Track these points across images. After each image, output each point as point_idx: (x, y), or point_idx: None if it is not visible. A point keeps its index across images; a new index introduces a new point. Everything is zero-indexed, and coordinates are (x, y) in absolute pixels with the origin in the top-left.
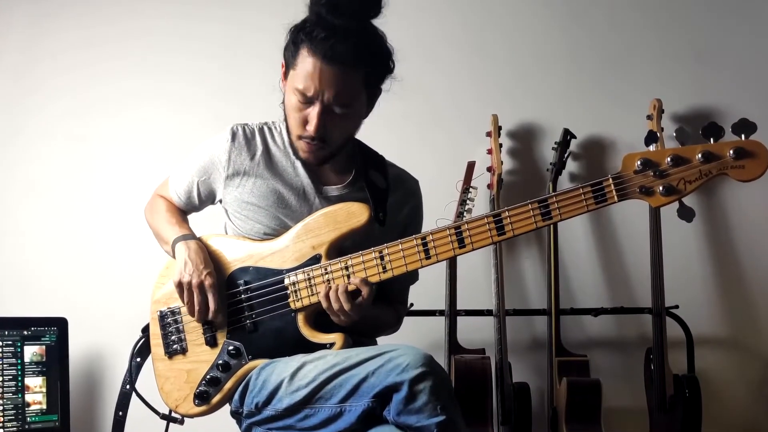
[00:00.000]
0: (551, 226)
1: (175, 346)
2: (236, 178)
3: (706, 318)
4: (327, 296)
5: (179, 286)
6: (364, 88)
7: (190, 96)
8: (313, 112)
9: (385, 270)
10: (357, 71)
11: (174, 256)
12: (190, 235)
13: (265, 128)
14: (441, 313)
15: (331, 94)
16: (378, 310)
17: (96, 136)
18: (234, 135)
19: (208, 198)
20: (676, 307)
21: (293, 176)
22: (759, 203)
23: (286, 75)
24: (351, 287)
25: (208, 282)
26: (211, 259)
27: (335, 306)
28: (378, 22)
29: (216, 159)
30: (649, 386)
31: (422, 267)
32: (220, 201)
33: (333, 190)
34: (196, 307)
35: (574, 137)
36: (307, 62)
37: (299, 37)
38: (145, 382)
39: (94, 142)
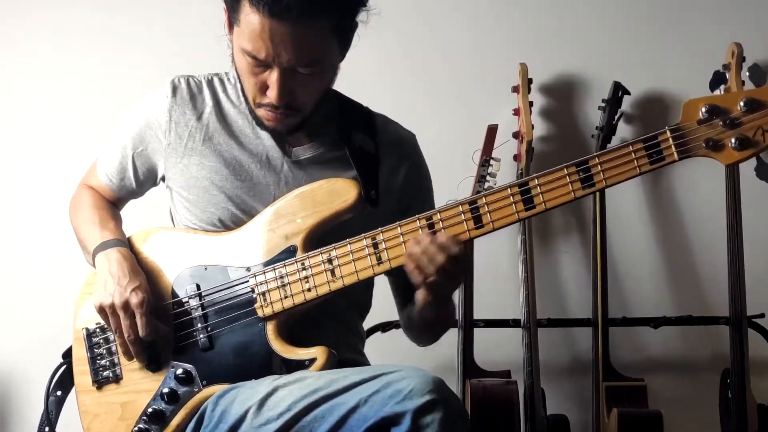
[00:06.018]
0: (597, 209)
1: (105, 373)
2: (179, 146)
3: None
4: (412, 253)
5: (101, 311)
6: (333, 37)
7: (125, 40)
8: (272, 77)
9: (380, 261)
10: (318, 22)
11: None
12: (113, 241)
13: (216, 80)
14: (453, 324)
15: (290, 55)
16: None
17: None
18: (175, 89)
19: (147, 177)
20: (762, 316)
21: (253, 139)
22: None
23: (231, 26)
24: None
25: (135, 300)
26: (153, 261)
27: (428, 259)
28: None
29: (154, 122)
30: (725, 419)
31: None
32: (163, 179)
33: (305, 151)
34: (125, 335)
35: (627, 93)
36: (251, 19)
37: None
38: (67, 421)
39: None
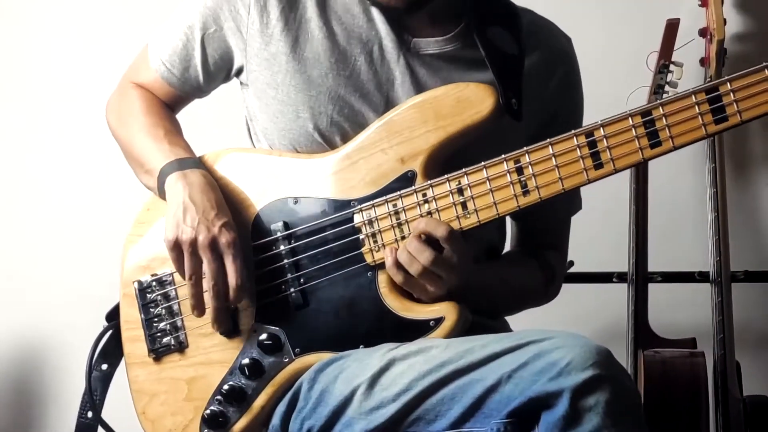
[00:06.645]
0: None
1: (165, 340)
2: (267, 27)
3: None
4: (395, 262)
5: (175, 247)
6: None
7: None
8: None
9: (526, 191)
10: None
11: (162, 196)
12: (189, 160)
13: None
14: (621, 277)
15: None
16: (502, 266)
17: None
18: None
19: (219, 68)
20: None
21: (362, 22)
22: None
23: None
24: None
25: (225, 239)
26: (226, 193)
27: (412, 268)
28: None
29: None
30: None
31: (588, 183)
32: (238, 73)
33: (430, 44)
34: (210, 282)
35: None
36: None
37: None
38: (115, 403)
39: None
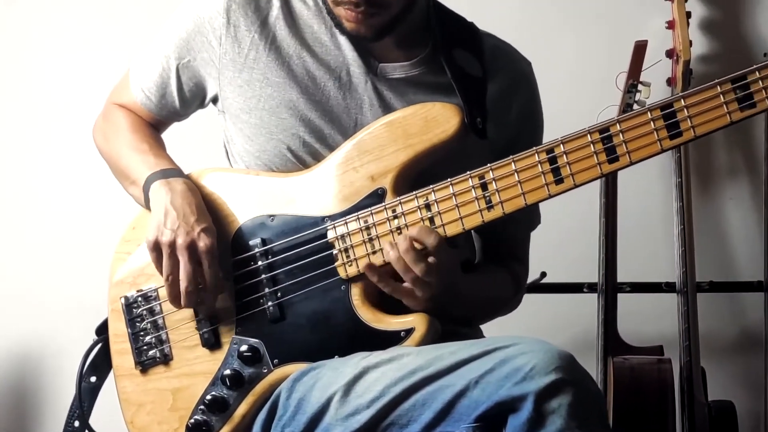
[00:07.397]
0: None
1: (151, 353)
2: (239, 56)
3: None
4: (399, 257)
5: (155, 248)
6: None
7: None
8: None
9: (490, 206)
10: None
11: (147, 205)
12: (174, 170)
13: None
14: (591, 288)
15: None
16: (478, 276)
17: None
18: None
19: (195, 94)
20: None
21: (331, 49)
22: None
23: None
24: (416, 243)
25: (203, 243)
26: (209, 210)
27: (412, 270)
28: None
29: (206, 25)
30: None
31: (549, 197)
32: (214, 100)
33: (396, 69)
34: (183, 284)
35: None
36: None
37: None
38: (103, 412)
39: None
